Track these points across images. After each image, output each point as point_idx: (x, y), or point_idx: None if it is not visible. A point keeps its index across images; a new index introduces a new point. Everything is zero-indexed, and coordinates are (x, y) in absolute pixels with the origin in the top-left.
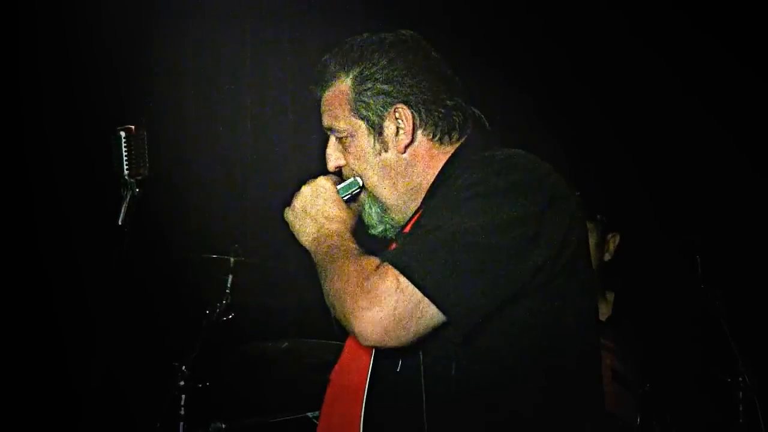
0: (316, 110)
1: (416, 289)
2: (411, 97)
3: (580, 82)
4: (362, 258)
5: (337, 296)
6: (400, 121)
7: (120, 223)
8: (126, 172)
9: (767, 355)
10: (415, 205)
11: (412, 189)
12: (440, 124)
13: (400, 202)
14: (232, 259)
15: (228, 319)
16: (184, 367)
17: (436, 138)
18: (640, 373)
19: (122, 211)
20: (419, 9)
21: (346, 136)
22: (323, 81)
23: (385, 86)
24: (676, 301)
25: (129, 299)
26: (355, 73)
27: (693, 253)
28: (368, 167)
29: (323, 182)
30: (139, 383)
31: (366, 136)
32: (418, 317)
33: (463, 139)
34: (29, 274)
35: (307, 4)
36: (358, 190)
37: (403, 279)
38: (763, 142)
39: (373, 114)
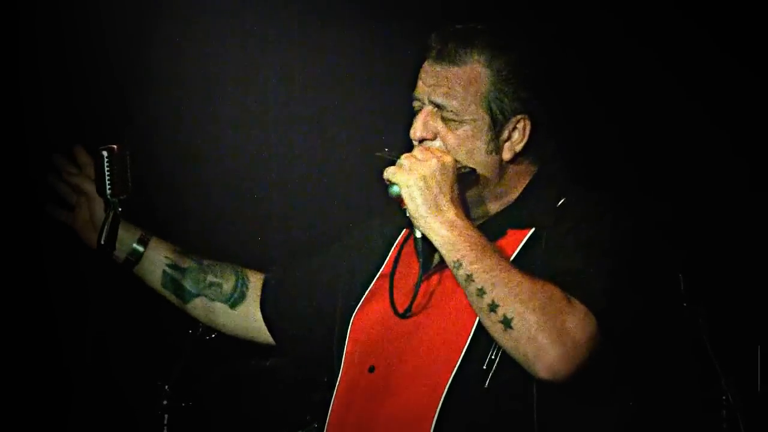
0: (322, 124)
1: (604, 341)
2: (535, 110)
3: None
4: (542, 281)
5: (521, 319)
6: (517, 131)
7: (102, 243)
8: (108, 191)
9: (750, 373)
10: (484, 211)
11: (495, 194)
12: (541, 143)
13: (477, 202)
14: None
15: (211, 337)
16: (167, 387)
17: (533, 155)
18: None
19: (104, 230)
20: (420, 8)
21: (458, 120)
22: (446, 55)
23: (523, 93)
24: (658, 319)
25: (111, 318)
26: (498, 66)
27: (676, 271)
28: (471, 161)
29: (452, 162)
30: (121, 403)
31: (484, 130)
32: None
33: (540, 162)
34: (27, 288)
35: (307, 4)
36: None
37: (598, 330)
38: (749, 159)
39: (500, 114)
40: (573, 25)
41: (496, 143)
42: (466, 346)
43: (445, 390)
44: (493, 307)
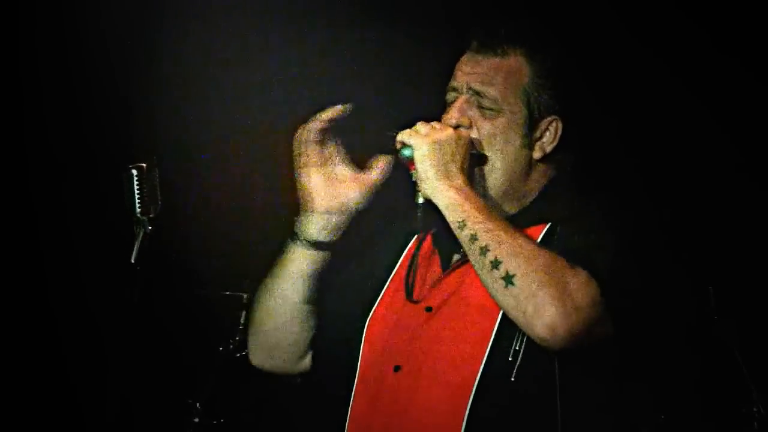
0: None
1: (608, 310)
2: (567, 113)
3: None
4: (546, 248)
5: (523, 276)
6: (549, 132)
7: (133, 261)
8: (138, 209)
9: None
10: (509, 208)
11: (517, 192)
12: (563, 145)
13: (501, 198)
14: (244, 296)
15: (242, 355)
16: (198, 404)
17: (553, 160)
18: (654, 403)
19: (135, 249)
20: (420, 8)
21: (496, 110)
22: (489, 46)
23: (559, 93)
24: (689, 332)
25: (142, 337)
26: (539, 62)
27: (706, 284)
28: (502, 152)
29: (468, 138)
30: (153, 421)
31: (521, 124)
32: (597, 332)
33: (556, 169)
34: (40, 313)
35: (308, 4)
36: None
37: (600, 297)
38: None
39: (537, 110)
40: (577, 29)
41: (529, 139)
42: (491, 341)
43: (474, 386)
44: (495, 264)
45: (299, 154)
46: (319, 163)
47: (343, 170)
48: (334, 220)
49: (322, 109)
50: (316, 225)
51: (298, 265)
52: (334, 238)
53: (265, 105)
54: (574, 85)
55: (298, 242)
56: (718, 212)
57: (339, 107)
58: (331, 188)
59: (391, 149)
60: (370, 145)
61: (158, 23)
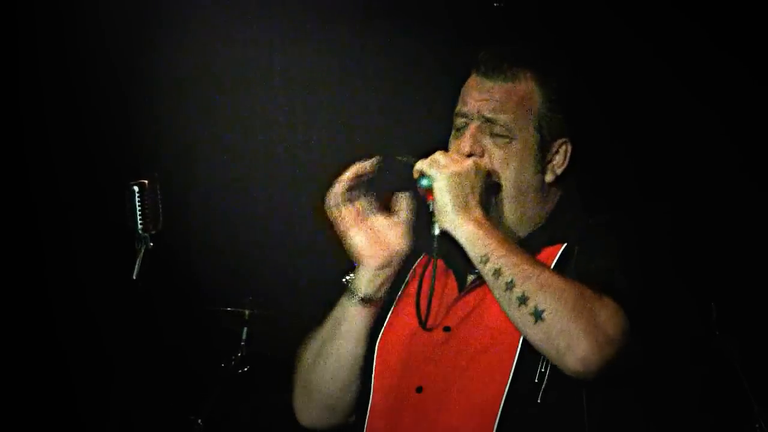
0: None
1: (636, 338)
2: (576, 136)
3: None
4: (571, 279)
5: (553, 311)
6: (559, 155)
7: (134, 278)
8: (140, 226)
9: None
10: (522, 233)
11: (531, 217)
12: (572, 168)
13: (515, 224)
14: (246, 312)
15: (243, 371)
16: (200, 421)
17: (565, 179)
18: (655, 420)
19: (137, 265)
20: (420, 9)
21: (509, 137)
22: (499, 71)
23: (568, 116)
24: (690, 347)
25: (144, 352)
26: (550, 86)
27: (708, 299)
28: (516, 178)
29: (485, 169)
30: None
31: (534, 149)
32: (629, 359)
33: (563, 189)
34: (43, 330)
35: (309, 5)
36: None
37: (629, 327)
38: None
39: (548, 135)
40: (580, 47)
41: (542, 163)
42: (514, 362)
43: (500, 407)
44: (523, 300)
45: (335, 220)
46: (356, 222)
47: (379, 219)
48: (386, 272)
49: (341, 169)
50: (372, 282)
51: (355, 324)
52: (387, 290)
53: (268, 120)
54: (582, 106)
55: (355, 301)
56: (720, 228)
57: (357, 166)
58: (376, 243)
59: (398, 174)
60: (376, 148)
61: (158, 27)
